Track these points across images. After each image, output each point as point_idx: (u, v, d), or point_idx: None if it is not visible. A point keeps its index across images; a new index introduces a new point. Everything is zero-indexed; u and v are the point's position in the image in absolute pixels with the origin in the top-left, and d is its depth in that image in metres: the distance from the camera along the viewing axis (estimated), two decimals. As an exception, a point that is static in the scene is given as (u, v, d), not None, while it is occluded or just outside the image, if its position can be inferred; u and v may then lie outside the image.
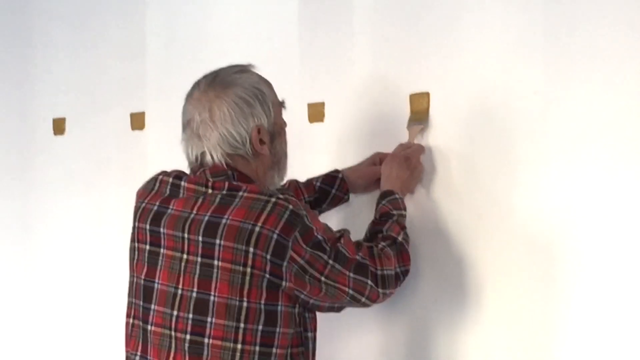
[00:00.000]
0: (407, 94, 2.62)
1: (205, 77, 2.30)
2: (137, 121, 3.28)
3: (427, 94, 2.56)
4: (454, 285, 2.52)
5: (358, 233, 2.47)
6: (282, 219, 2.12)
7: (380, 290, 2.27)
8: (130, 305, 2.31)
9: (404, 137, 2.59)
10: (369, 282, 2.24)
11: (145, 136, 3.27)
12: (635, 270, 2.22)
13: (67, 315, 3.50)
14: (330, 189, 2.62)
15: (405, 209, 2.46)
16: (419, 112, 2.55)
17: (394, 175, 2.48)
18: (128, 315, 2.32)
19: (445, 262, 2.53)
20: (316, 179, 2.64)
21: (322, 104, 2.81)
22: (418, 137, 2.56)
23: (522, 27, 2.42)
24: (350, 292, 2.22)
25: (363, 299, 2.26)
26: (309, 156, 2.82)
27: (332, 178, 2.63)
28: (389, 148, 2.58)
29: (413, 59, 2.64)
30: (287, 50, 2.90)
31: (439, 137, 2.57)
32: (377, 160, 2.62)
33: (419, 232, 2.55)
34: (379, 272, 2.26)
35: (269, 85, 2.31)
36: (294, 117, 2.62)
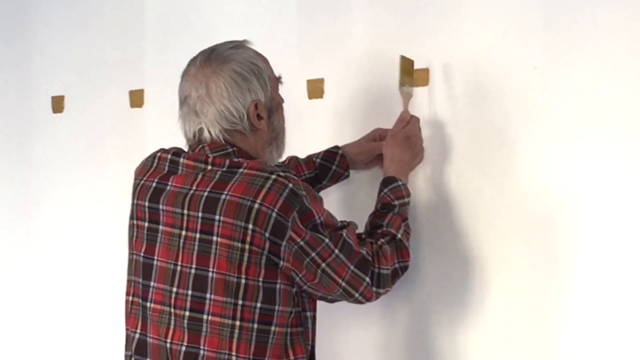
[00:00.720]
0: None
1: (201, 53, 2.29)
2: (136, 98, 3.27)
3: (411, 61, 2.54)
4: (457, 269, 2.52)
5: (358, 209, 2.47)
6: (281, 197, 2.10)
7: (374, 289, 2.24)
8: (129, 282, 2.31)
9: (399, 103, 2.58)
10: (367, 279, 2.22)
11: (144, 114, 3.26)
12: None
13: (67, 294, 3.50)
14: (331, 165, 2.62)
15: (408, 195, 2.43)
16: (408, 75, 2.53)
17: (396, 158, 2.47)
18: (127, 293, 2.31)
19: (447, 243, 2.53)
20: (316, 155, 2.64)
21: (322, 80, 2.80)
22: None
23: (521, 1, 2.40)
24: (344, 284, 2.20)
25: (357, 295, 2.23)
26: (308, 132, 2.81)
27: (332, 154, 2.62)
28: (388, 124, 2.57)
29: (412, 34, 2.63)
30: (285, 26, 2.89)
31: (439, 111, 2.57)
32: (377, 136, 2.61)
33: (420, 211, 2.55)
34: (376, 271, 2.24)
35: (265, 60, 2.30)
36: (293, 93, 2.62)
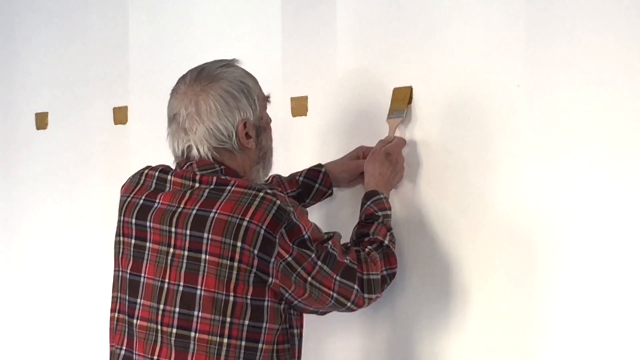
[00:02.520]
0: (390, 88, 2.60)
1: (191, 71, 2.28)
2: (120, 115, 3.25)
3: (409, 88, 2.53)
4: (438, 281, 2.50)
5: (342, 227, 2.46)
6: (269, 214, 2.10)
7: (365, 295, 2.25)
8: (115, 299, 2.29)
9: (386, 131, 2.57)
10: (356, 286, 2.23)
11: (128, 130, 3.24)
12: (618, 266, 2.22)
13: (50, 310, 3.47)
14: (314, 183, 2.61)
15: (390, 209, 2.45)
16: (399, 102, 2.54)
17: (377, 174, 2.47)
18: (113, 310, 2.29)
19: (429, 256, 2.51)
20: (299, 173, 2.63)
21: (305, 98, 2.79)
22: (398, 130, 2.54)
23: (504, 20, 2.41)
24: (335, 295, 2.20)
25: (348, 304, 2.24)
26: (292, 150, 2.80)
27: (315, 172, 2.61)
28: (371, 142, 2.57)
29: (395, 52, 2.62)
30: (270, 44, 2.88)
31: (421, 131, 2.55)
32: (361, 154, 2.60)
33: (402, 227, 2.53)
34: (364, 277, 2.25)
35: (254, 79, 2.30)
36: (277, 111, 2.60)
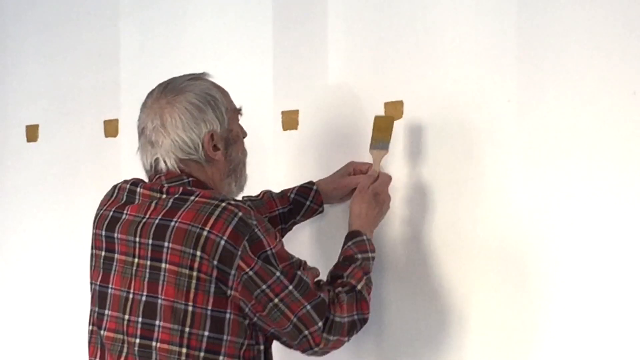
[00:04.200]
0: (380, 102, 2.58)
1: (159, 85, 2.28)
2: (111, 128, 3.24)
3: (392, 117, 2.51)
4: (432, 299, 2.47)
5: (331, 244, 2.43)
6: (230, 225, 2.08)
7: (324, 335, 2.16)
8: (91, 312, 2.29)
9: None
10: (320, 323, 2.15)
11: (118, 143, 3.23)
12: (612, 277, 2.20)
13: (38, 321, 3.45)
14: (305, 200, 2.59)
15: (373, 251, 2.37)
16: (383, 132, 2.49)
17: (363, 214, 2.42)
18: (89, 323, 2.29)
19: (421, 274, 2.48)
20: (290, 190, 2.61)
21: (296, 112, 2.77)
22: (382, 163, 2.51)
23: (495, 36, 2.39)
24: (295, 320, 2.13)
25: (306, 332, 2.15)
26: (282, 164, 2.79)
27: (306, 190, 2.60)
28: (362, 155, 2.55)
29: (386, 67, 2.61)
30: (261, 58, 2.87)
31: (411, 144, 2.54)
32: (352, 170, 2.58)
33: (392, 245, 2.51)
34: (330, 317, 2.17)
35: (223, 91, 2.28)
36: (268, 124, 2.59)
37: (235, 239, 2.07)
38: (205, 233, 2.07)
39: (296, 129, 2.77)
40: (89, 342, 2.28)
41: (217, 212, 2.09)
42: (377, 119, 2.50)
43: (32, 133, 3.48)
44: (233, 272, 2.07)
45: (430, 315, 2.48)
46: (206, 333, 2.09)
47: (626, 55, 2.18)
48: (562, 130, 2.28)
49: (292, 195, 2.59)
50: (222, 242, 2.06)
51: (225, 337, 2.11)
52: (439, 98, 2.49)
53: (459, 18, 2.46)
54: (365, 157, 2.55)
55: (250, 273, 2.08)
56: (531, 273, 2.32)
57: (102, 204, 2.30)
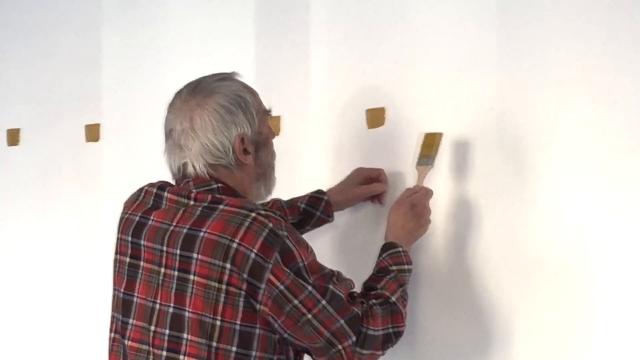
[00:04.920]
0: (362, 109, 2.58)
1: (187, 85, 2.19)
2: (92, 133, 3.23)
3: (441, 134, 2.42)
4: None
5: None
6: (261, 237, 1.99)
7: (357, 349, 2.07)
8: (112, 319, 2.21)
9: (360, 150, 2.54)
10: (353, 337, 2.06)
11: (100, 148, 3.21)
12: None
13: (21, 324, 3.43)
14: (315, 211, 2.52)
15: (409, 263, 2.27)
16: (429, 148, 2.42)
17: (399, 226, 2.33)
18: (110, 330, 2.21)
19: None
20: (300, 199, 2.54)
21: (278, 118, 2.76)
22: (426, 178, 2.43)
23: (476, 44, 2.39)
24: (328, 335, 2.04)
25: (339, 347, 2.06)
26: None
27: (317, 200, 2.52)
28: (344, 162, 2.54)
29: (369, 74, 2.60)
30: (243, 64, 2.83)
31: (393, 153, 2.53)
32: (362, 178, 2.52)
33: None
34: (363, 330, 2.08)
35: (253, 92, 2.21)
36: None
37: (266, 252, 1.99)
38: (235, 245, 1.99)
39: (278, 134, 2.76)
40: (111, 350, 2.19)
41: (246, 223, 2.00)
42: (427, 136, 2.43)
43: (13, 137, 3.46)
44: (263, 286, 1.99)
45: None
46: (234, 349, 2.01)
47: (608, 64, 2.18)
48: (544, 136, 2.27)
49: (302, 206, 2.52)
50: (253, 255, 1.98)
51: (253, 353, 2.03)
52: (419, 106, 2.48)
53: (440, 26, 2.46)
54: (348, 162, 2.54)
55: (282, 287, 2.00)
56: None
57: (127, 207, 2.21)
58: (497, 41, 2.35)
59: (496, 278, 2.32)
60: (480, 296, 2.35)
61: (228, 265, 1.98)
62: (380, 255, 2.29)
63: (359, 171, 2.53)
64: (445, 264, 2.42)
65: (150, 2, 3.10)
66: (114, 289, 2.21)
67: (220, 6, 2.94)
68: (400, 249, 2.28)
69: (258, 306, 2.00)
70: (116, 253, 2.21)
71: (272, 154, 2.25)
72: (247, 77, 2.78)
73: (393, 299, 2.17)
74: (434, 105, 2.46)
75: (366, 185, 2.51)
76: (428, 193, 2.39)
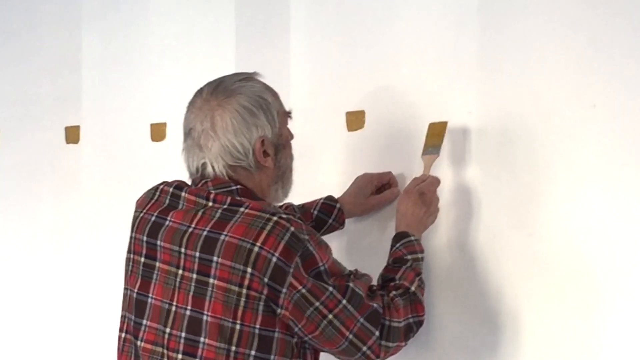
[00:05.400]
0: (342, 111, 2.58)
1: (208, 84, 2.15)
2: (72, 135, 3.21)
3: (445, 123, 2.39)
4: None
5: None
6: (282, 241, 1.97)
7: (383, 342, 2.06)
8: (123, 319, 2.17)
9: (340, 153, 2.54)
10: (377, 332, 2.05)
11: (79, 150, 3.19)
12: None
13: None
14: (327, 218, 2.49)
15: (421, 251, 2.28)
16: (435, 138, 2.40)
17: (409, 214, 2.31)
18: (120, 329, 2.18)
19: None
20: (313, 205, 2.50)
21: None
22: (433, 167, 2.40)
23: (456, 48, 2.39)
24: (351, 337, 2.03)
25: (364, 348, 2.04)
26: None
27: (329, 207, 2.49)
28: (325, 165, 2.54)
29: (348, 77, 2.60)
30: (223, 66, 2.84)
31: (370, 155, 2.54)
32: (374, 187, 2.50)
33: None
34: (386, 324, 2.07)
35: (274, 94, 2.17)
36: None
37: (287, 256, 1.97)
38: (256, 249, 1.96)
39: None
40: (121, 350, 2.16)
41: (268, 227, 1.98)
42: (431, 125, 2.41)
43: (-8, 139, 3.44)
44: (284, 290, 1.97)
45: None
46: (253, 352, 1.99)
47: (587, 68, 2.19)
48: (521, 140, 2.28)
49: (315, 212, 2.48)
50: (274, 259, 1.96)
51: (272, 356, 2.01)
52: (399, 109, 2.48)
53: (420, 28, 2.46)
54: (330, 167, 2.54)
55: (303, 291, 1.98)
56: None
57: (142, 206, 2.18)
58: (478, 44, 2.35)
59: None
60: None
61: (249, 270, 1.96)
62: (393, 245, 2.28)
63: (368, 180, 2.50)
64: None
65: (131, 5, 3.09)
66: (126, 288, 2.17)
67: (200, 9, 2.93)
68: (412, 237, 2.28)
69: (279, 310, 1.98)
70: (130, 252, 2.17)
71: (291, 156, 2.23)
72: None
73: (412, 288, 2.17)
74: (413, 108, 2.46)
75: (380, 195, 2.49)
76: (436, 181, 2.38)
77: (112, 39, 3.14)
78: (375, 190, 2.50)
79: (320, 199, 2.48)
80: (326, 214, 2.49)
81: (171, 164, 2.92)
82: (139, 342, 2.10)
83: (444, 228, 2.41)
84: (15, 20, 3.39)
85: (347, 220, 2.51)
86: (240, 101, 2.09)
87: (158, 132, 3.00)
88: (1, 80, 3.41)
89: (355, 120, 2.57)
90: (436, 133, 2.38)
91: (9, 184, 3.38)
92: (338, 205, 2.48)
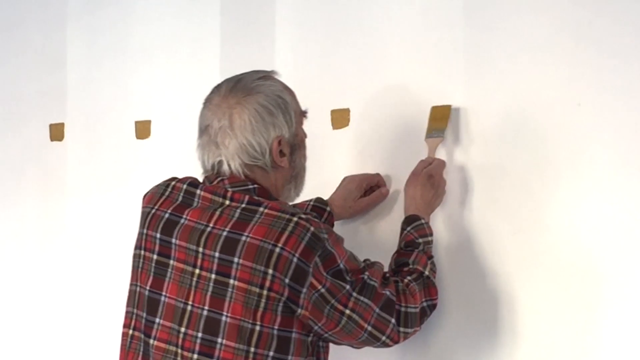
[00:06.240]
0: (327, 110, 2.57)
1: (227, 81, 2.13)
2: (57, 132, 3.19)
3: (448, 107, 2.38)
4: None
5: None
6: (303, 242, 1.96)
7: (401, 329, 2.09)
8: (130, 315, 2.14)
9: (325, 151, 2.53)
10: (393, 320, 2.07)
11: (64, 147, 3.17)
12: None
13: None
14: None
15: (431, 234, 2.29)
16: (439, 121, 2.39)
17: (418, 196, 2.31)
18: (126, 326, 2.14)
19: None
20: (303, 208, 2.45)
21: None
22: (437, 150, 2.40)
23: (441, 44, 2.39)
24: (369, 328, 2.05)
25: (383, 338, 2.07)
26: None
27: (320, 210, 2.45)
28: (310, 163, 2.52)
29: (333, 74, 2.59)
30: (207, 63, 2.84)
31: (356, 149, 2.53)
32: (362, 190, 2.48)
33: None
34: (402, 310, 2.09)
35: (292, 93, 2.16)
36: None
37: (308, 256, 1.96)
38: (277, 250, 1.95)
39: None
40: (128, 347, 2.13)
41: (289, 228, 1.97)
42: (434, 109, 2.40)
43: (-24, 136, 3.41)
44: (304, 290, 1.97)
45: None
46: (271, 353, 1.98)
47: (572, 67, 2.19)
48: (509, 132, 2.29)
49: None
50: (295, 260, 1.95)
51: (289, 357, 2.01)
52: (385, 104, 2.48)
53: (405, 26, 2.46)
54: (311, 162, 2.53)
55: (322, 290, 1.98)
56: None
57: (152, 202, 2.14)
58: (463, 42, 2.35)
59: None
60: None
61: (270, 271, 1.95)
62: (404, 229, 2.28)
63: (357, 183, 2.48)
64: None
65: (116, 2, 3.08)
66: (135, 285, 2.14)
67: (185, 6, 2.92)
68: (422, 220, 2.29)
69: (299, 310, 1.98)
70: (140, 248, 2.14)
71: (305, 156, 2.22)
72: (212, 77, 2.78)
73: (426, 272, 2.19)
74: (398, 106, 2.46)
75: (369, 197, 2.48)
76: (443, 163, 2.37)
77: (97, 36, 3.12)
78: (363, 193, 2.49)
79: (310, 201, 2.44)
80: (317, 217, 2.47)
81: (156, 162, 2.94)
82: (151, 341, 2.08)
83: (440, 224, 2.40)
84: (0, 17, 3.38)
85: (335, 222, 2.49)
86: (259, 100, 2.08)
87: (143, 129, 2.98)
88: (-15, 77, 3.39)
89: (340, 118, 2.56)
90: (439, 117, 2.38)
91: (-7, 181, 3.36)
92: (328, 209, 2.45)
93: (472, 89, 2.34)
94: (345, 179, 2.49)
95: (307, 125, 2.50)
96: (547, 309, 2.23)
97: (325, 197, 2.47)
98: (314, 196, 2.44)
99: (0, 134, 3.34)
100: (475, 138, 2.33)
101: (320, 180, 2.53)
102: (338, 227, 2.49)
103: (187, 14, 2.91)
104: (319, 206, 2.44)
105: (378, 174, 2.48)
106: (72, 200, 3.15)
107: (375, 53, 2.51)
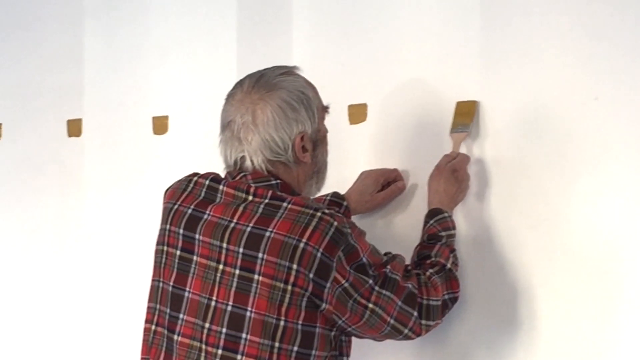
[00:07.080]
0: (344, 105, 2.57)
1: (249, 77, 2.13)
2: (74, 128, 3.19)
3: (474, 102, 2.37)
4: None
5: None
6: (327, 236, 1.97)
7: (423, 322, 2.10)
8: (152, 310, 2.14)
9: (342, 146, 2.52)
10: (415, 313, 2.08)
11: (81, 143, 3.18)
12: None
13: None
14: None
15: (454, 228, 2.29)
16: (464, 117, 2.38)
17: (441, 190, 2.31)
18: (148, 321, 2.15)
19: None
20: (320, 202, 2.42)
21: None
22: (463, 145, 2.39)
23: (459, 39, 2.39)
24: (392, 322, 2.06)
25: (406, 331, 2.09)
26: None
27: (337, 205, 2.43)
28: (328, 159, 2.53)
29: (350, 69, 2.59)
30: (225, 59, 2.84)
31: (374, 146, 2.53)
32: (379, 185, 2.47)
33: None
34: (424, 302, 2.10)
35: (314, 89, 2.16)
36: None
37: (331, 251, 1.97)
38: (302, 245, 1.96)
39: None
40: (150, 342, 2.13)
41: (313, 223, 1.98)
42: (459, 104, 2.39)
43: (-6, 132, 3.43)
44: (328, 285, 1.98)
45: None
46: (295, 348, 1.99)
47: (589, 61, 2.18)
48: (521, 130, 2.29)
49: None
50: (319, 255, 1.96)
51: (313, 351, 2.01)
52: (402, 99, 2.47)
53: (423, 22, 2.45)
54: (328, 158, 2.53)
55: (346, 285, 1.99)
56: (622, 285, 2.15)
57: (174, 197, 2.14)
58: (480, 38, 2.35)
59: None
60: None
61: (294, 266, 1.96)
62: (427, 222, 2.28)
63: (374, 178, 2.48)
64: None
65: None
66: (157, 280, 2.14)
67: (202, 3, 2.92)
68: (446, 214, 2.29)
69: (323, 305, 1.99)
70: (162, 244, 2.13)
71: (327, 152, 2.22)
72: (229, 73, 2.79)
73: (448, 265, 2.20)
74: (415, 101, 2.45)
75: (386, 191, 2.47)
76: (467, 158, 2.36)
77: (114, 32, 3.12)
78: (380, 188, 2.48)
79: (327, 196, 2.43)
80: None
81: (173, 157, 2.94)
82: (175, 336, 2.08)
83: (460, 218, 2.39)
84: (18, 13, 3.38)
85: (352, 217, 2.48)
86: (282, 96, 2.08)
87: (160, 125, 2.98)
88: (4, 73, 3.40)
89: (357, 113, 2.56)
90: (465, 112, 2.37)
91: (11, 177, 3.36)
92: (345, 203, 2.44)
93: (489, 84, 2.33)
94: (362, 173, 2.49)
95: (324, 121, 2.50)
96: (566, 303, 2.22)
97: (342, 192, 2.45)
98: (329, 191, 2.43)
99: (18, 130, 3.35)
100: (493, 133, 2.32)
101: (338, 175, 2.53)
102: (355, 222, 2.47)
103: (204, 10, 2.91)
104: (335, 200, 2.43)
105: (395, 169, 2.48)
106: (90, 196, 3.16)
107: (392, 48, 2.51)
